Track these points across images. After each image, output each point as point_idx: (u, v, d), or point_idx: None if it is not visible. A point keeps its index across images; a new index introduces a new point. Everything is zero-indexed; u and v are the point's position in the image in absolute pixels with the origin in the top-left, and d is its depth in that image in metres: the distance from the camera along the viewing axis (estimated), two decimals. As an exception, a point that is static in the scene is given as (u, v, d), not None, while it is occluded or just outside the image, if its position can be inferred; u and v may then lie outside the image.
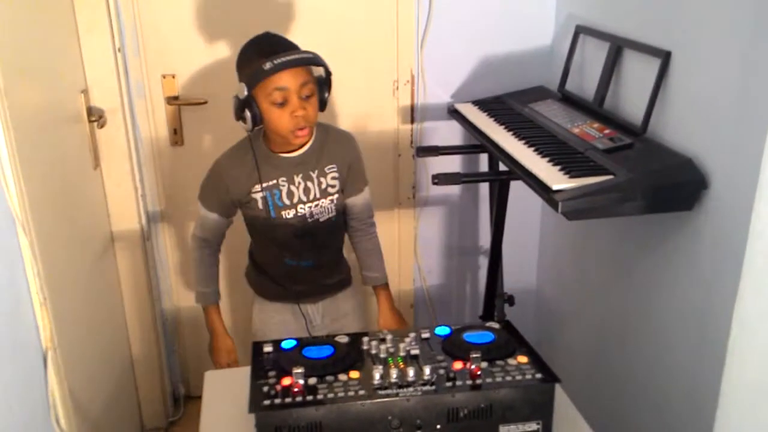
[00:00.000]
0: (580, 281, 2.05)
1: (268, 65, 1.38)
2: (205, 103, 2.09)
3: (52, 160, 1.58)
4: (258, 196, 1.55)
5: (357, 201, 1.65)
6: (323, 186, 1.57)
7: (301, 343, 1.20)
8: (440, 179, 1.66)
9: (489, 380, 1.08)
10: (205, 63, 2.07)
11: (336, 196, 1.59)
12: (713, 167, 1.34)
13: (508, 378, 1.08)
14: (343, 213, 1.65)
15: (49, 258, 1.34)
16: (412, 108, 2.16)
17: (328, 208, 1.60)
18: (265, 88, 1.43)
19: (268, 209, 1.56)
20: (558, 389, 1.11)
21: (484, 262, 2.34)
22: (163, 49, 2.05)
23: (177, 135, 2.14)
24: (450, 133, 2.17)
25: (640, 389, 1.70)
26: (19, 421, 1.17)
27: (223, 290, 1.84)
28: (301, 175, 1.55)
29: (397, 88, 2.14)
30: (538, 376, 1.09)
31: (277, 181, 1.55)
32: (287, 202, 1.56)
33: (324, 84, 1.50)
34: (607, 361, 1.88)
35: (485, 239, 2.32)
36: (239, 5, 2.02)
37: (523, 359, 1.13)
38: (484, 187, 2.24)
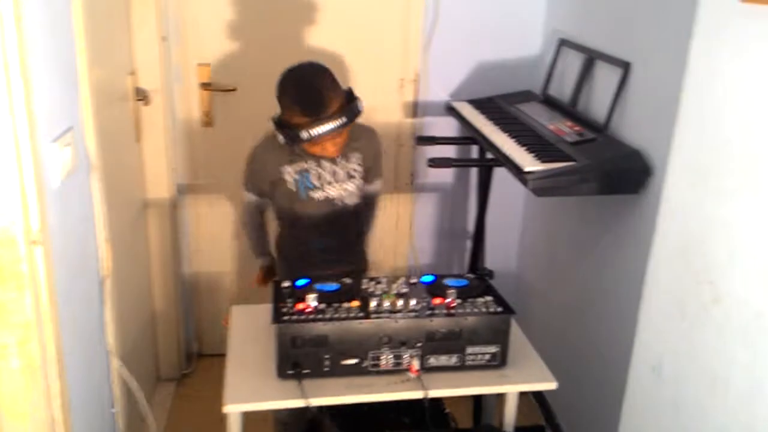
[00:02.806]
0: (551, 261, 2.33)
1: (305, 135, 1.55)
2: (235, 90, 2.33)
3: (109, 129, 1.83)
4: (289, 177, 1.71)
5: (370, 190, 1.85)
6: (348, 169, 1.74)
7: (313, 280, 1.47)
8: (435, 162, 1.94)
9: (461, 310, 1.36)
10: (235, 54, 2.32)
11: (359, 181, 1.77)
12: (657, 158, 1.62)
13: (475, 310, 1.36)
14: (363, 199, 1.85)
15: (111, 205, 1.60)
16: (415, 104, 2.40)
17: (353, 193, 1.77)
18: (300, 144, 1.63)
19: (299, 190, 1.72)
20: (514, 324, 1.38)
21: (470, 244, 2.57)
22: (200, 40, 2.29)
23: (208, 117, 2.38)
24: (446, 128, 2.40)
25: (594, 344, 1.97)
26: (84, 329, 1.45)
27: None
28: (329, 160, 1.71)
29: (403, 85, 2.39)
30: (499, 309, 1.37)
31: (307, 163, 1.71)
32: (317, 183, 1.72)
33: (352, 98, 1.64)
34: (564, 330, 2.15)
35: (473, 223, 2.53)
36: (268, 5, 2.27)
37: (489, 298, 1.41)
38: (475, 178, 2.47)
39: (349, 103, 1.61)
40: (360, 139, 1.76)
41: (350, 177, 1.75)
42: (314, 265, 1.78)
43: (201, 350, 2.65)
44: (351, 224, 1.84)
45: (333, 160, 1.72)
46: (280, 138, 1.62)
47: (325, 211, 1.75)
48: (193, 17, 2.28)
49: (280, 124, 1.62)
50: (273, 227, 1.95)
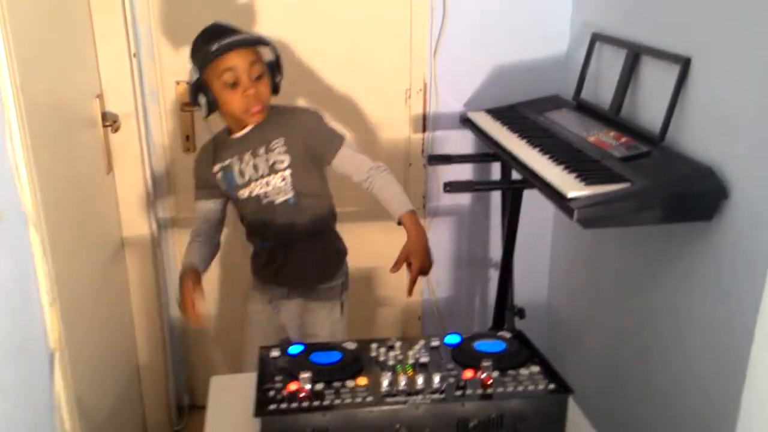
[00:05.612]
0: (593, 294, 2.02)
1: (215, 46, 1.47)
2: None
3: (66, 163, 1.59)
4: (219, 176, 1.63)
5: (339, 161, 1.57)
6: (270, 161, 1.57)
7: (309, 348, 1.18)
8: (452, 187, 1.64)
9: (500, 390, 1.05)
10: (218, 69, 2.09)
11: (287, 172, 1.55)
12: (734, 176, 1.31)
13: (520, 388, 1.05)
14: (310, 195, 1.60)
15: (59, 259, 1.34)
16: (424, 117, 2.15)
17: (281, 189, 1.57)
18: (215, 70, 1.50)
19: (229, 189, 1.63)
20: (570, 402, 1.08)
21: (493, 274, 2.31)
22: (178, 55, 2.05)
23: (189, 141, 2.14)
24: (461, 143, 2.16)
25: (656, 404, 1.66)
26: (23, 421, 1.16)
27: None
28: (249, 152, 1.58)
29: (410, 96, 2.14)
30: (551, 386, 1.06)
31: (231, 160, 1.60)
32: (239, 181, 1.60)
33: (275, 67, 1.56)
34: (622, 376, 1.84)
35: (495, 250, 2.30)
36: (253, 14, 2.03)
37: (535, 369, 1.10)
38: (495, 198, 2.22)
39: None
40: (282, 122, 1.58)
41: (274, 170, 1.57)
42: (264, 263, 1.70)
43: (193, 402, 2.40)
44: (289, 225, 1.60)
45: (253, 152, 1.57)
46: (202, 111, 1.55)
47: (255, 210, 1.62)
48: (168, 29, 2.04)
49: (195, 76, 1.54)
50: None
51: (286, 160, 1.55)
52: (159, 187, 2.15)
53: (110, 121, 1.91)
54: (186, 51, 2.03)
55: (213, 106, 1.54)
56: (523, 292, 2.11)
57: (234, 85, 1.50)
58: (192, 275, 1.58)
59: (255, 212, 1.62)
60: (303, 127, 1.58)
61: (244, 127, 1.58)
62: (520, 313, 1.98)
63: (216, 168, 1.62)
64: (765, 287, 0.92)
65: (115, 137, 1.96)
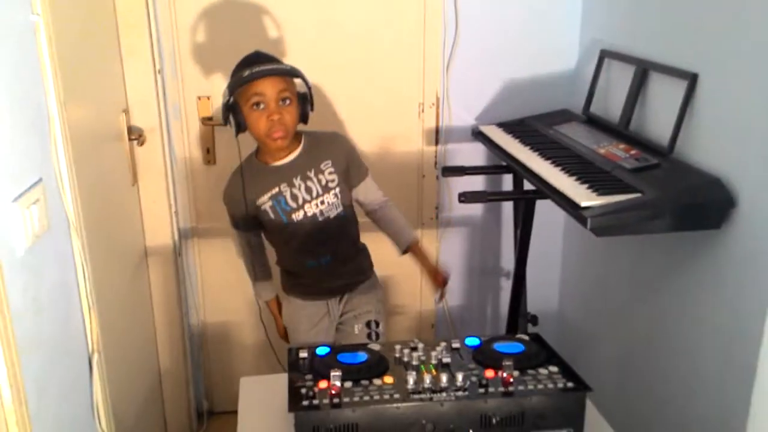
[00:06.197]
0: (603, 301, 2.06)
1: (247, 72, 1.56)
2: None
3: (98, 175, 1.65)
4: (266, 206, 1.66)
5: (362, 189, 1.74)
6: (323, 182, 1.66)
7: (335, 349, 1.24)
8: (467, 197, 1.70)
9: (521, 388, 1.10)
10: (239, 85, 2.15)
11: (338, 189, 1.67)
12: (741, 186, 1.37)
13: (540, 386, 1.10)
14: (350, 206, 1.73)
15: (95, 265, 1.40)
16: (437, 130, 2.21)
17: (334, 204, 1.67)
18: (245, 94, 1.58)
19: (279, 216, 1.66)
20: (588, 402, 1.13)
21: (504, 283, 2.36)
22: (199, 72, 2.13)
23: (210, 154, 2.20)
24: (472, 155, 2.21)
25: (666, 408, 1.70)
26: (68, 419, 1.22)
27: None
28: (299, 177, 1.65)
29: (423, 110, 2.20)
30: (570, 384, 1.11)
31: (279, 188, 1.65)
32: (293, 204, 1.65)
33: (306, 98, 1.63)
34: (633, 381, 1.88)
35: (507, 260, 2.34)
36: (271, 31, 2.10)
37: (553, 369, 1.15)
38: (507, 208, 2.27)
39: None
40: (324, 145, 1.70)
41: (327, 189, 1.67)
42: (314, 282, 1.77)
43: (212, 408, 2.44)
44: (341, 237, 1.73)
45: (303, 176, 1.65)
46: (232, 129, 1.62)
47: (310, 230, 1.68)
48: (191, 47, 2.11)
49: (226, 97, 1.60)
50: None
51: (336, 178, 1.67)
52: (180, 199, 2.21)
53: (136, 135, 1.98)
54: (207, 68, 2.14)
55: (242, 127, 1.61)
56: (533, 300, 2.14)
57: (260, 107, 1.57)
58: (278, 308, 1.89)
59: (309, 232, 1.67)
60: (343, 149, 1.72)
61: (275, 152, 1.65)
62: (533, 320, 2.02)
63: (264, 198, 1.66)
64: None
65: (140, 150, 2.02)
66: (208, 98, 2.15)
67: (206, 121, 2.17)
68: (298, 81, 1.62)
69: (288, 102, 1.59)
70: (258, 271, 1.85)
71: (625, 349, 1.93)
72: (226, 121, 1.63)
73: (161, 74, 2.05)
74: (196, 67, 2.12)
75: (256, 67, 1.56)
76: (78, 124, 1.48)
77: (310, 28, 2.11)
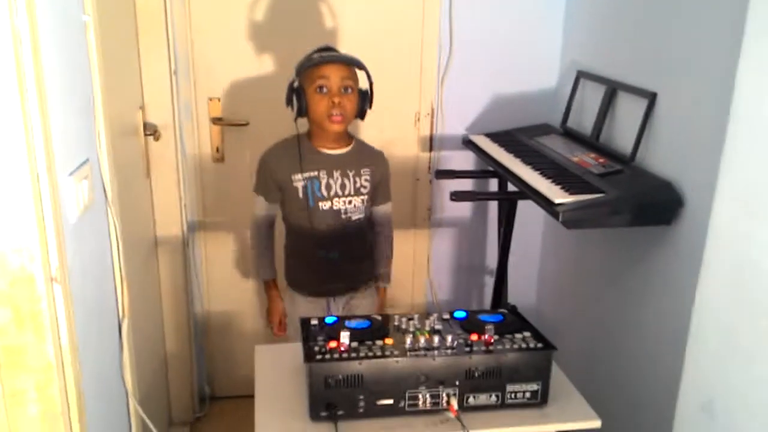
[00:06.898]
0: (575, 293, 2.27)
1: (316, 56, 1.66)
2: (246, 124, 2.30)
3: (119, 165, 1.79)
4: (299, 184, 1.74)
5: (380, 211, 1.88)
6: (357, 185, 1.77)
7: (342, 318, 1.41)
8: (458, 196, 1.90)
9: (500, 347, 1.30)
10: (247, 88, 2.30)
11: (366, 197, 1.79)
12: (689, 189, 1.59)
13: (515, 346, 1.30)
14: (369, 218, 1.86)
15: (123, 241, 1.55)
16: (431, 138, 2.38)
17: (359, 208, 1.80)
18: (310, 75, 1.67)
19: (308, 198, 1.74)
20: (554, 364, 1.33)
21: (489, 281, 2.53)
22: (211, 74, 2.27)
23: (218, 153, 2.34)
24: (463, 162, 2.39)
25: (621, 383, 1.90)
26: (100, 375, 1.37)
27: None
28: (339, 171, 1.75)
29: (419, 119, 2.38)
30: (539, 345, 1.31)
31: (318, 172, 1.74)
32: (325, 193, 1.74)
33: (366, 96, 1.72)
34: (596, 364, 2.08)
35: (490, 258, 2.53)
36: (279, 39, 2.26)
37: (527, 334, 1.35)
38: (492, 212, 2.46)
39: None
40: (370, 158, 1.82)
41: (358, 192, 1.78)
42: (319, 276, 1.83)
43: (214, 393, 2.55)
44: (355, 240, 1.84)
45: (343, 172, 1.73)
46: (293, 111, 1.69)
47: (331, 223, 1.77)
48: (204, 50, 2.26)
49: (294, 78, 1.68)
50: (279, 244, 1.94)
51: (369, 186, 1.79)
52: (189, 193, 2.33)
53: (151, 131, 2.10)
54: (217, 71, 2.28)
55: (302, 110, 1.69)
56: (514, 293, 2.33)
57: (323, 91, 1.66)
58: (278, 291, 1.90)
59: (331, 225, 1.77)
60: (383, 167, 1.85)
61: (328, 141, 1.74)
62: (513, 309, 2.20)
63: (299, 176, 1.73)
64: (699, 277, 1.17)
65: (154, 145, 2.14)
66: (219, 99, 2.30)
67: (216, 121, 2.30)
68: (361, 77, 1.71)
69: (350, 91, 1.67)
70: (264, 248, 1.88)
71: (591, 333, 2.13)
72: (289, 102, 1.70)
73: (176, 75, 2.17)
74: (208, 69, 2.26)
75: (323, 53, 1.67)
76: (109, 117, 1.64)
77: (318, 42, 2.26)
